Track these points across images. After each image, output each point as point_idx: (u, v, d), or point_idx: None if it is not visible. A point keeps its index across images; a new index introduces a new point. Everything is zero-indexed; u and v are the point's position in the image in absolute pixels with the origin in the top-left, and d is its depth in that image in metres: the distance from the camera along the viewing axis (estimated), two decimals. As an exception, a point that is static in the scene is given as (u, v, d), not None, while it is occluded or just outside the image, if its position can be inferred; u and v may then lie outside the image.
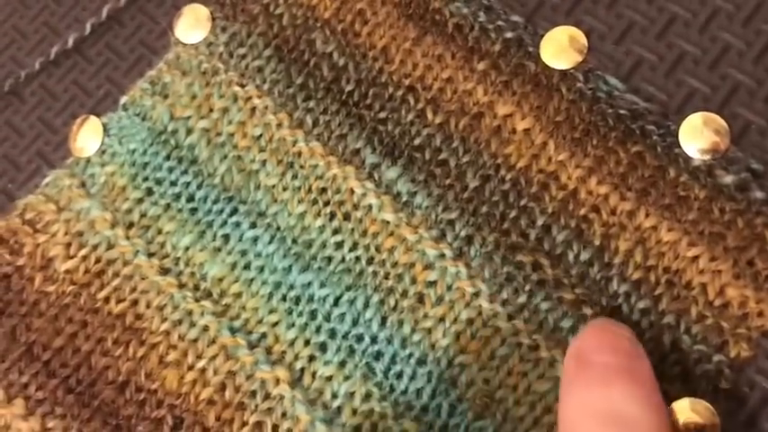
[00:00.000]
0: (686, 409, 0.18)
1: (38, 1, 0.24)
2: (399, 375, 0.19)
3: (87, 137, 0.22)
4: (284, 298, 0.20)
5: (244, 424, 0.19)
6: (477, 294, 0.19)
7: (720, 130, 0.20)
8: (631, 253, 0.19)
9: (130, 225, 0.21)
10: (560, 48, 0.21)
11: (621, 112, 0.20)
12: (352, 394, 0.19)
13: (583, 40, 0.21)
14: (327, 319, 0.19)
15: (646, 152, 0.20)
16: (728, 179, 0.19)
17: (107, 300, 0.21)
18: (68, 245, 0.21)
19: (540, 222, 0.19)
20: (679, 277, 0.18)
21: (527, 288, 0.19)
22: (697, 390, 0.18)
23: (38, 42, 0.24)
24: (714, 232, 0.18)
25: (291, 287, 0.20)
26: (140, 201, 0.21)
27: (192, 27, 0.23)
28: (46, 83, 0.23)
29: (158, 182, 0.21)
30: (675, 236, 0.19)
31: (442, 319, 0.19)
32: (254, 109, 0.22)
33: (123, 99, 0.23)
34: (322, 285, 0.20)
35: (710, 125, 0.20)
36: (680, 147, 0.19)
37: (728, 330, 0.18)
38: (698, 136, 0.20)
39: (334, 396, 0.19)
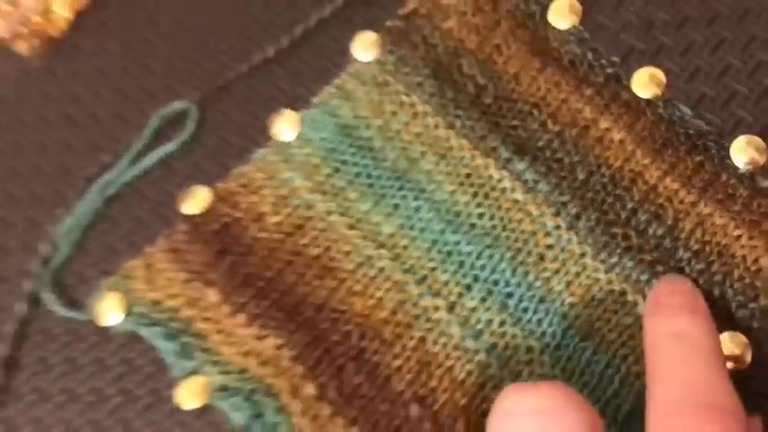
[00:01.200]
0: (726, 340, 0.25)
1: (243, 19, 0.32)
2: (525, 310, 0.26)
3: (285, 126, 0.30)
4: (439, 251, 0.27)
5: (411, 338, 0.26)
6: (583, 255, 0.26)
7: (759, 148, 0.27)
8: (693, 231, 0.26)
9: (324, 193, 0.29)
10: (644, 83, 0.28)
11: (690, 131, 0.28)
12: (490, 321, 0.26)
13: (662, 77, 0.28)
14: (472, 267, 0.27)
15: (706, 161, 0.27)
16: (765, 183, 0.26)
17: (306, 246, 0.28)
18: (275, 204, 0.29)
19: (629, 206, 0.27)
20: (726, 250, 0.26)
21: (618, 252, 0.26)
22: (736, 328, 0.25)
23: (241, 51, 0.31)
24: (753, 220, 0.26)
25: (445, 244, 0.27)
26: (330, 176, 0.29)
27: (364, 49, 0.30)
28: (251, 83, 0.31)
29: (344, 163, 0.29)
30: (725, 221, 0.26)
31: (557, 272, 0.26)
32: (416, 113, 0.29)
33: (315, 99, 0.30)
34: (468, 244, 0.27)
35: (752, 144, 0.27)
36: (730, 159, 0.27)
37: (761, 287, 0.25)
38: (743, 152, 0.27)
39: (478, 322, 0.26)
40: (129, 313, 0.28)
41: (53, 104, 0.32)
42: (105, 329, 0.28)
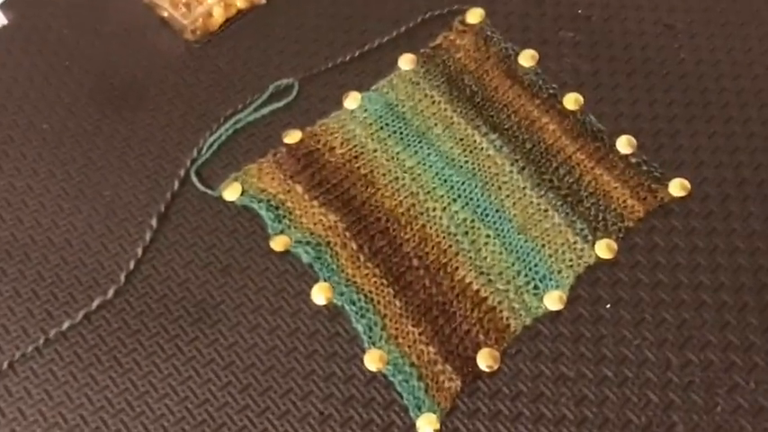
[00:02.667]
0: (604, 246, 0.42)
1: (341, 24, 0.51)
2: (487, 215, 0.44)
3: (352, 100, 0.48)
4: (440, 178, 0.45)
5: (417, 224, 0.43)
6: (524, 188, 0.44)
7: (632, 143, 0.46)
8: (590, 182, 0.45)
9: (373, 139, 0.46)
10: (571, 101, 0.47)
11: (594, 129, 0.47)
12: (465, 219, 0.44)
13: (581, 99, 0.47)
14: (458, 189, 0.45)
15: (602, 147, 0.46)
16: (633, 160, 0.45)
17: (359, 168, 0.46)
18: (342, 142, 0.47)
19: (554, 165, 0.45)
20: (609, 194, 0.44)
21: (545, 188, 0.44)
22: (611, 237, 0.42)
23: (333, 49, 0.50)
24: (625, 179, 0.44)
25: (443, 175, 0.45)
26: (377, 131, 0.47)
27: (406, 63, 0.49)
28: (333, 72, 0.49)
29: (387, 124, 0.47)
30: (609, 178, 0.45)
31: (508, 196, 0.44)
32: (433, 101, 0.48)
33: (372, 87, 0.48)
34: (458, 176, 0.45)
35: (628, 141, 0.46)
36: (616, 147, 0.46)
37: (625, 215, 0.43)
38: (623, 144, 0.45)
39: (459, 218, 0.44)
40: (243, 194, 0.45)
41: (205, 71, 0.50)
42: (228, 203, 0.45)
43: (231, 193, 0.45)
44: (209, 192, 0.46)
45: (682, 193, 0.44)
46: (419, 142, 0.47)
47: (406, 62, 0.49)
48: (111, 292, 0.43)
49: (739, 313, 0.41)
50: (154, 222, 0.45)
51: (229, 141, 0.48)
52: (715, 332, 0.40)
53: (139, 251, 0.44)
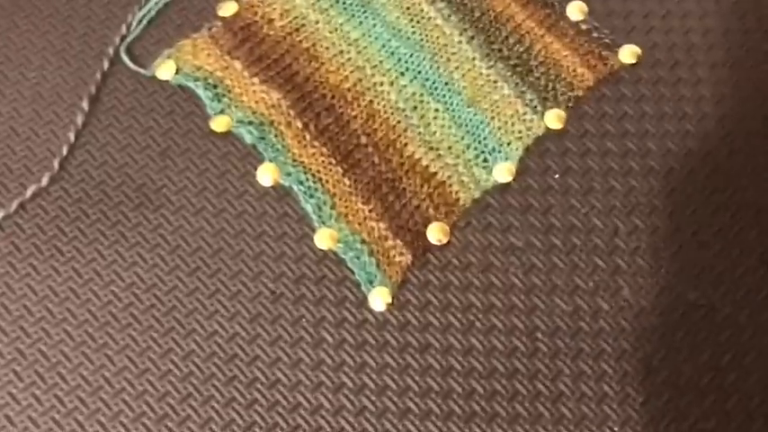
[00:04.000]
0: (554, 115, 0.42)
1: None
2: (436, 88, 0.42)
3: (290, -32, 0.45)
4: (386, 51, 0.43)
5: (364, 100, 0.42)
6: (473, 59, 0.43)
7: (583, 10, 0.44)
8: (540, 50, 0.43)
9: (314, 9, 0.44)
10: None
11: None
12: (414, 92, 0.42)
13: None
14: (406, 62, 0.43)
15: (552, 13, 0.45)
16: (584, 26, 0.43)
17: (300, 42, 0.43)
18: (281, 14, 0.44)
19: (503, 35, 0.44)
20: (559, 62, 0.43)
21: (495, 58, 0.43)
22: (560, 106, 0.42)
23: None
24: (575, 47, 0.43)
25: (390, 47, 0.43)
26: (319, 1, 0.44)
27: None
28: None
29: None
30: (559, 46, 0.43)
31: (457, 68, 0.43)
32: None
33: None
34: (404, 48, 0.43)
35: (579, 7, 0.44)
36: (566, 13, 0.44)
37: (575, 84, 0.42)
38: (574, 10, 0.44)
39: (407, 93, 0.42)
40: (178, 73, 0.42)
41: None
42: (162, 82, 0.42)
43: (165, 71, 0.42)
44: (141, 71, 0.43)
45: (632, 60, 0.43)
46: (363, 12, 0.44)
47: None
48: (45, 180, 0.41)
49: (686, 178, 0.41)
50: (85, 105, 0.42)
51: (160, 16, 0.44)
52: (662, 198, 0.41)
53: (71, 136, 0.41)
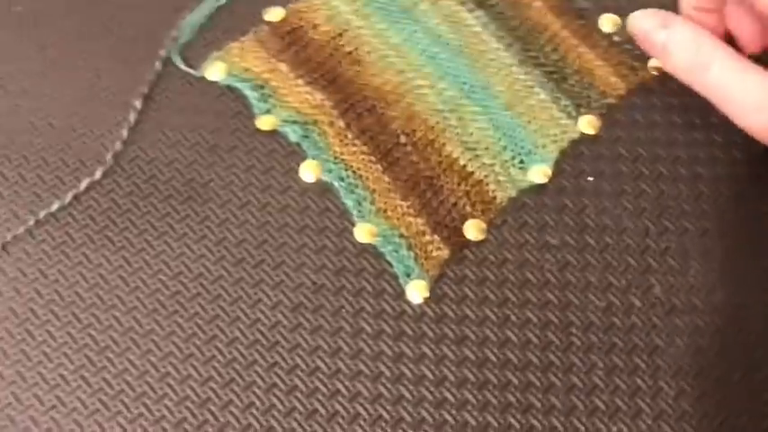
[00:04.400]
0: (585, 121, 0.43)
1: None
2: (475, 92, 0.44)
3: (335, -22, 0.47)
4: (427, 56, 0.45)
5: (405, 102, 0.44)
6: (511, 65, 0.45)
7: (615, 22, 0.46)
8: (575, 59, 0.45)
9: (357, 15, 0.46)
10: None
11: (579, 8, 0.46)
12: (453, 96, 0.44)
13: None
14: (445, 67, 0.44)
15: (585, 26, 0.46)
16: (617, 38, 0.45)
17: (343, 45, 0.45)
18: (326, 19, 0.46)
19: (540, 43, 0.45)
20: (592, 71, 0.44)
21: (531, 64, 0.45)
22: (592, 113, 0.43)
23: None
24: (608, 57, 0.45)
25: (430, 53, 0.45)
26: (362, 6, 0.46)
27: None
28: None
29: (374, 2, 0.46)
30: (592, 56, 0.45)
31: (495, 74, 0.44)
32: (419, -22, 0.47)
33: (355, -36, 0.47)
34: (444, 53, 0.45)
35: (611, 19, 0.46)
36: (599, 25, 0.46)
37: (607, 92, 0.44)
38: (606, 22, 0.46)
39: (446, 95, 0.44)
40: (227, 74, 0.44)
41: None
42: (211, 83, 0.44)
43: (214, 72, 0.44)
44: (191, 72, 0.45)
45: (661, 71, 0.45)
46: (405, 18, 0.46)
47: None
48: (98, 173, 0.43)
49: (712, 183, 0.42)
50: (138, 104, 0.44)
51: (211, 20, 0.47)
52: (690, 202, 0.42)
53: (125, 132, 0.43)
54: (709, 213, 0.42)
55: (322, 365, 0.39)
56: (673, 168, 0.43)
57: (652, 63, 0.45)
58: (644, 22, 0.41)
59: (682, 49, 0.41)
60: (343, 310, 0.40)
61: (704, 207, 0.42)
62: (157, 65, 0.45)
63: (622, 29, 0.46)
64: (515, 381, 0.38)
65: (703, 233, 0.41)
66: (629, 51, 0.45)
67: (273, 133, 0.44)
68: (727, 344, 0.39)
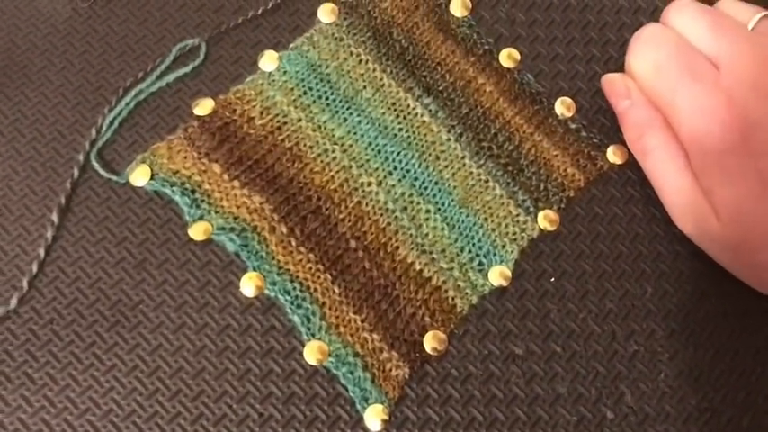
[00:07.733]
0: (542, 217, 0.41)
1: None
2: (426, 188, 0.41)
3: (268, 61, 0.43)
4: (373, 149, 0.41)
5: (352, 201, 0.40)
6: (463, 158, 0.42)
7: (570, 106, 0.43)
8: (530, 149, 0.42)
9: (296, 107, 0.42)
10: (506, 57, 0.44)
11: (533, 91, 0.44)
12: (403, 193, 0.41)
13: (517, 55, 0.44)
14: (393, 161, 0.41)
15: (540, 110, 0.43)
16: (573, 125, 0.43)
17: (282, 141, 0.41)
18: (261, 112, 0.42)
19: (492, 132, 0.42)
20: (549, 162, 0.42)
21: (485, 157, 0.42)
22: (552, 207, 0.41)
23: (239, 7, 0.44)
24: (565, 146, 0.42)
25: (377, 145, 0.42)
26: (300, 96, 0.42)
27: (326, 14, 0.44)
28: (244, 30, 0.44)
29: (310, 89, 0.42)
30: (549, 145, 0.42)
31: (446, 167, 0.41)
32: (360, 60, 0.43)
33: (291, 45, 0.43)
34: (392, 146, 0.42)
35: (566, 103, 0.43)
36: (554, 110, 0.43)
37: (566, 184, 0.41)
38: (561, 106, 0.43)
39: (396, 193, 0.41)
40: (153, 178, 0.40)
41: (97, 35, 0.43)
42: (137, 188, 0.40)
43: (139, 177, 0.40)
44: (113, 178, 0.40)
45: (620, 161, 0.43)
46: (347, 108, 0.43)
47: (326, 13, 0.44)
48: (14, 301, 0.38)
49: (676, 281, 0.41)
50: (55, 217, 0.39)
51: (132, 117, 0.42)
52: (655, 301, 0.40)
53: (41, 252, 0.39)
54: (674, 313, 0.40)
55: None
56: (635, 265, 0.41)
57: (611, 152, 0.43)
58: (615, 85, 0.42)
59: (632, 126, 0.41)
60: (296, 444, 0.37)
61: (669, 306, 0.40)
62: (75, 171, 0.40)
63: (579, 113, 0.44)
64: None
65: (670, 334, 0.40)
66: (586, 140, 0.43)
67: (208, 243, 0.40)
68: (703, 456, 0.37)
